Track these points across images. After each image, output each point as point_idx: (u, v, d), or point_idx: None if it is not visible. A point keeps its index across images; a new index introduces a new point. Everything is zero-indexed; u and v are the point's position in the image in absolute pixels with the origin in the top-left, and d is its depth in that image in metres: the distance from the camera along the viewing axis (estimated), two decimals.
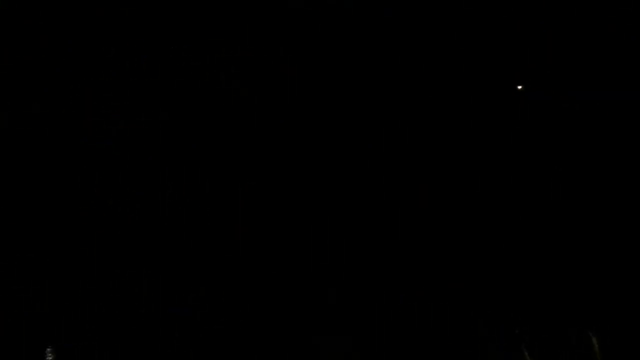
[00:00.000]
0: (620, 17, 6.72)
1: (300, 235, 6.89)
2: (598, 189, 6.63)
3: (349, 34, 7.04)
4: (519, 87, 6.76)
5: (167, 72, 7.09)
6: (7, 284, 6.32)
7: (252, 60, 7.12)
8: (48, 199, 6.85)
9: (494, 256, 6.53)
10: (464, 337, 5.96)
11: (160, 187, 7.01)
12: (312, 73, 7.11)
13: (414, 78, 7.11)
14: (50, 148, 6.98)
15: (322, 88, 7.11)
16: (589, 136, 6.75)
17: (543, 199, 6.75)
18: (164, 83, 7.08)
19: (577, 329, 5.80)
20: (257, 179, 7.05)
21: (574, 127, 6.85)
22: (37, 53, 6.92)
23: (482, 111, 7.06)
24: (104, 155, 6.98)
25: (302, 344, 6.16)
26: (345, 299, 6.43)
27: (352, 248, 6.81)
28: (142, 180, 7.00)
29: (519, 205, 6.74)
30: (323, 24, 7.01)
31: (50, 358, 5.87)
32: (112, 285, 6.51)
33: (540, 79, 6.98)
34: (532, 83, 6.98)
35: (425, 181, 7.00)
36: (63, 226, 6.79)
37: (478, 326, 5.56)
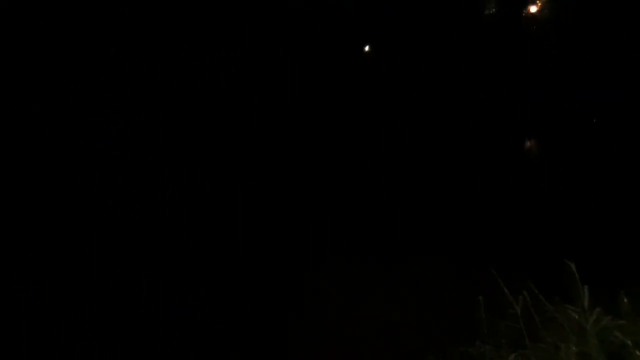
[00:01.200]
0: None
1: (300, 235, 6.88)
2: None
3: (348, 34, 7.03)
4: None
5: (167, 72, 7.08)
6: (7, 284, 6.31)
7: (252, 60, 7.11)
8: (48, 198, 6.85)
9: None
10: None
11: (160, 187, 7.00)
12: (313, 73, 7.09)
13: (414, 79, 7.10)
14: (49, 148, 6.97)
15: (322, 88, 7.10)
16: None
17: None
18: (164, 83, 7.08)
19: None
20: (258, 179, 7.05)
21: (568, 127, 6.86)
22: (37, 53, 6.91)
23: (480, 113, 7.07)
24: (104, 155, 6.97)
25: (302, 344, 6.15)
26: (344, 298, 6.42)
27: (351, 248, 6.80)
28: (142, 180, 7.00)
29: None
30: (323, 24, 7.00)
31: None
32: (112, 285, 6.50)
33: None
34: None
35: (424, 180, 7.01)
36: (62, 226, 6.79)
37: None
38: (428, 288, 6.25)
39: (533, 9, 6.92)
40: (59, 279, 6.46)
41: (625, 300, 3.77)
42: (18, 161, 6.94)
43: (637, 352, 3.09)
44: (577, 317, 3.27)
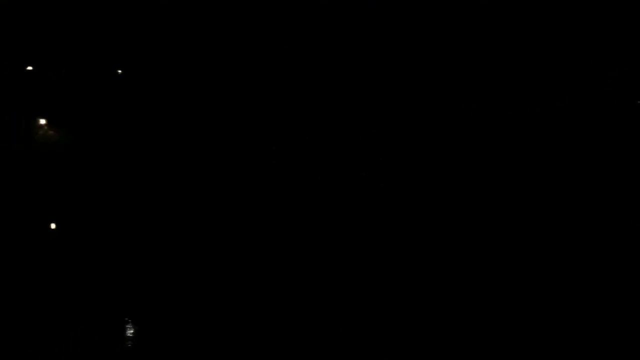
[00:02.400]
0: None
1: (300, 235, 6.89)
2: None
3: (351, 33, 7.03)
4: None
5: (167, 71, 7.08)
6: (7, 283, 6.30)
7: (253, 59, 7.10)
8: (47, 198, 6.83)
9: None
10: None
11: (160, 186, 7.00)
12: (315, 71, 7.10)
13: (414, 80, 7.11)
14: (47, 147, 6.95)
15: (324, 86, 7.10)
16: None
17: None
18: (164, 82, 7.08)
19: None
20: (259, 178, 7.04)
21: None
22: (37, 51, 6.91)
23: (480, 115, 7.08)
24: (103, 154, 6.97)
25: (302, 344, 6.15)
26: (342, 299, 6.43)
27: (350, 248, 6.81)
28: (141, 179, 6.99)
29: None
30: (325, 22, 7.00)
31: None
32: (112, 285, 6.50)
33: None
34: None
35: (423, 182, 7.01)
36: (62, 226, 6.77)
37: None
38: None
39: None
40: (59, 279, 6.46)
41: None
42: (15, 160, 6.93)
43: None
44: None
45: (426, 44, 7.06)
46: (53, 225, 6.82)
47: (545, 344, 5.75)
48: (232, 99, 7.24)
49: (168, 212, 6.95)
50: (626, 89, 6.74)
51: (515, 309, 6.13)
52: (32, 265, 6.58)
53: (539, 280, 6.35)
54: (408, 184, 7.05)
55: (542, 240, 6.64)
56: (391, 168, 7.07)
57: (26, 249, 6.69)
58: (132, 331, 6.13)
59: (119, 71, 7.11)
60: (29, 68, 6.93)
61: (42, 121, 6.93)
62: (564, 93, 6.88)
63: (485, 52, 6.93)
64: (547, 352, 5.67)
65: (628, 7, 6.75)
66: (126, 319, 6.22)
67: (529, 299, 6.21)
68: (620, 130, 6.75)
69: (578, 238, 6.53)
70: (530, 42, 6.91)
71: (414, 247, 6.83)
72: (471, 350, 5.73)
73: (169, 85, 7.08)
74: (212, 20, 7.08)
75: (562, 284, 6.29)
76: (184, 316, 6.31)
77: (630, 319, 5.86)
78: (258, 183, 7.15)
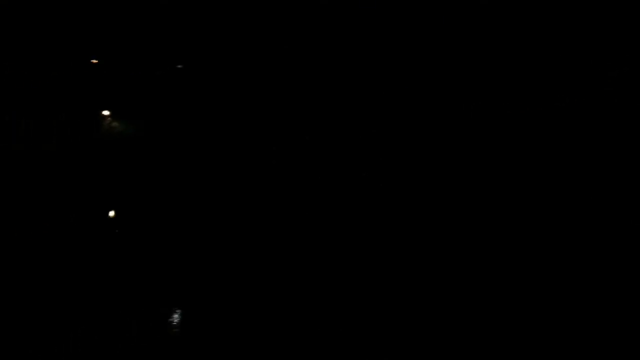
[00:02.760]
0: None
1: (300, 235, 6.89)
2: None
3: (352, 32, 7.03)
4: None
5: (169, 71, 7.08)
6: (7, 283, 6.30)
7: (254, 58, 7.11)
8: (48, 198, 6.83)
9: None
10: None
11: (162, 185, 7.01)
12: (315, 70, 7.10)
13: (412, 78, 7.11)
14: (47, 147, 6.96)
15: (323, 85, 7.10)
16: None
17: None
18: (166, 82, 7.08)
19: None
20: (259, 178, 7.05)
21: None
22: (39, 52, 6.91)
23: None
24: (107, 153, 6.98)
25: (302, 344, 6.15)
26: (342, 298, 6.43)
27: (349, 248, 6.81)
28: (143, 178, 7.00)
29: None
30: (325, 22, 7.00)
31: None
32: (112, 285, 6.50)
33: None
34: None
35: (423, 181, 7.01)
36: (62, 226, 6.77)
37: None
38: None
39: None
40: (58, 279, 6.46)
41: None
42: (16, 160, 6.93)
43: None
44: None
45: (426, 44, 7.06)
46: (112, 213, 6.88)
47: (546, 344, 5.75)
48: (232, 99, 7.24)
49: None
50: (626, 89, 6.73)
51: (515, 309, 6.14)
52: (95, 254, 6.64)
53: (539, 280, 6.35)
54: (408, 184, 7.05)
55: (542, 240, 6.64)
56: (391, 168, 7.06)
57: (91, 240, 6.75)
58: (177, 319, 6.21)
59: (179, 66, 7.19)
60: (94, 61, 6.99)
61: (106, 112, 7.03)
62: (564, 93, 6.86)
63: (485, 52, 6.93)
64: (547, 352, 5.67)
65: (628, 7, 6.75)
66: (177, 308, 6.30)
67: (529, 299, 6.21)
68: (620, 130, 6.75)
69: (578, 238, 6.53)
70: (530, 42, 6.91)
71: (414, 247, 6.82)
72: (471, 350, 5.73)
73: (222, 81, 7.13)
74: (227, 20, 7.10)
75: (562, 284, 6.29)
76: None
77: (630, 319, 5.86)
78: (258, 183, 7.15)
